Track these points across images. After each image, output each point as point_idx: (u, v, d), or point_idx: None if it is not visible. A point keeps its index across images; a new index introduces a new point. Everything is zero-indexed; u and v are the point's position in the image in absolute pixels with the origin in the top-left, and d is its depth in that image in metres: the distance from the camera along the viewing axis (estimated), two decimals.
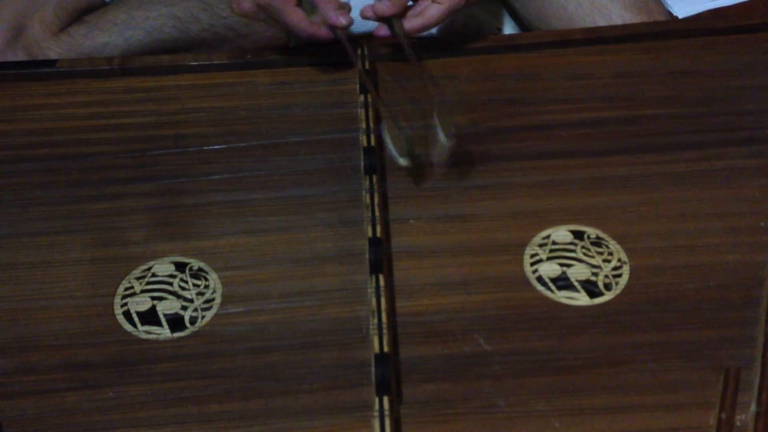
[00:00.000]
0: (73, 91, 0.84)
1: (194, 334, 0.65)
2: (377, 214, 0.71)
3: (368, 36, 0.94)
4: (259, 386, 0.62)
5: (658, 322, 0.65)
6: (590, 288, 0.67)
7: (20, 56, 0.89)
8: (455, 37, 0.94)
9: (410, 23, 0.80)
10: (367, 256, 0.69)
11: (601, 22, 0.92)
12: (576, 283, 0.68)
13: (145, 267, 0.70)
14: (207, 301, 0.67)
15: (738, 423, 0.59)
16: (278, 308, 0.66)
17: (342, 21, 0.76)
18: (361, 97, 0.80)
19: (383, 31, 0.81)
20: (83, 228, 0.72)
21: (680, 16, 0.96)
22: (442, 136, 0.73)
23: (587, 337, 0.64)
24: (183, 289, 0.68)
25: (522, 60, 0.86)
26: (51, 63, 0.86)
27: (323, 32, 0.77)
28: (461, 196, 0.74)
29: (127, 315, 0.67)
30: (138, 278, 0.69)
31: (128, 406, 0.61)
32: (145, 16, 0.90)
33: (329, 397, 0.61)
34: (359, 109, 0.80)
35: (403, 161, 0.72)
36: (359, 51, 0.85)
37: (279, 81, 0.85)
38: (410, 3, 0.82)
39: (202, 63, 0.86)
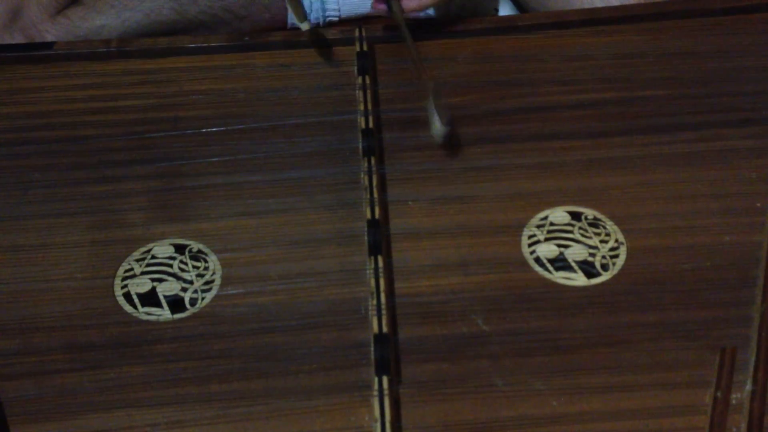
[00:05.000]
0: (71, 73, 0.84)
1: (194, 316, 0.66)
2: (376, 195, 0.71)
3: (366, 18, 0.94)
4: (259, 367, 0.63)
5: (654, 302, 0.65)
6: (587, 268, 0.68)
7: (17, 39, 0.89)
8: (452, 18, 0.94)
9: (406, 3, 0.80)
10: (365, 237, 0.69)
11: (599, 3, 0.92)
12: (573, 264, 0.68)
13: (144, 249, 0.70)
14: (207, 283, 0.68)
15: (733, 402, 0.60)
16: (278, 290, 0.67)
17: None
18: (359, 79, 0.81)
19: (381, 5, 0.81)
20: (83, 210, 0.73)
21: None
22: (437, 123, 0.73)
23: (584, 317, 0.65)
24: (183, 270, 0.68)
25: (519, 41, 0.86)
26: (48, 45, 0.86)
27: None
28: (459, 178, 0.74)
29: (128, 296, 0.67)
30: (138, 260, 0.69)
31: (129, 387, 0.62)
32: None
33: (329, 377, 0.62)
34: (357, 91, 0.80)
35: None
36: (357, 32, 0.85)
37: (277, 63, 0.85)
38: None
39: (200, 45, 0.85)
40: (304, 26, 0.79)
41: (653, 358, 0.62)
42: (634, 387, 0.61)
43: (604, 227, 0.70)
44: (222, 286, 0.67)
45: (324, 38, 0.85)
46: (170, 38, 0.88)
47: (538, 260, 0.68)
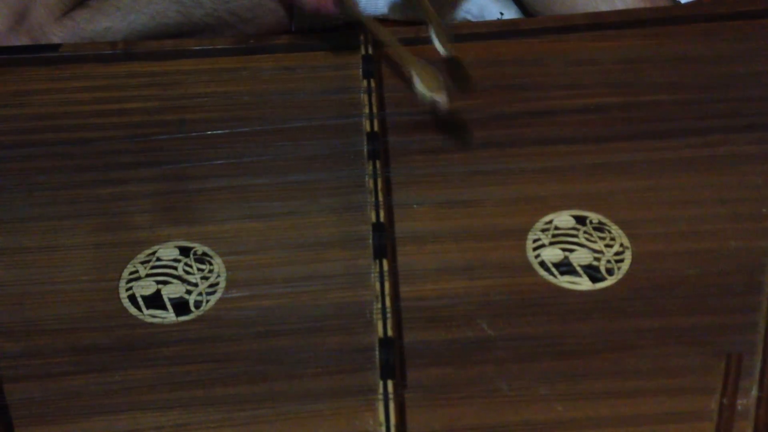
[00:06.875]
0: (77, 75, 0.84)
1: (199, 318, 0.66)
2: (381, 199, 0.71)
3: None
4: (263, 370, 0.63)
5: (660, 307, 0.65)
6: (592, 273, 0.68)
7: (23, 41, 0.89)
8: (457, 23, 0.94)
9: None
10: (370, 241, 0.69)
11: (604, 8, 0.92)
12: (578, 268, 0.68)
13: (149, 251, 0.70)
14: (211, 286, 0.68)
15: (739, 408, 0.60)
16: (282, 293, 0.67)
17: None
18: (365, 82, 0.81)
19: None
20: (88, 213, 0.73)
21: (683, 2, 0.96)
22: (439, 46, 0.73)
23: (589, 322, 0.65)
24: (188, 273, 0.68)
25: (524, 46, 0.86)
26: (54, 47, 0.86)
27: (329, 5, 0.77)
28: (464, 182, 0.74)
29: (133, 299, 0.67)
30: (143, 263, 0.69)
31: (134, 390, 0.62)
32: (148, 1, 0.90)
33: (334, 380, 0.62)
34: (362, 94, 0.80)
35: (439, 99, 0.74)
36: (361, 36, 0.85)
37: (282, 66, 0.85)
38: None
39: (205, 48, 0.86)
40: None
41: (658, 363, 0.62)
42: (640, 393, 0.61)
43: (609, 231, 0.70)
44: (227, 288, 0.67)
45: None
46: (176, 41, 0.88)
47: (543, 264, 0.68)
